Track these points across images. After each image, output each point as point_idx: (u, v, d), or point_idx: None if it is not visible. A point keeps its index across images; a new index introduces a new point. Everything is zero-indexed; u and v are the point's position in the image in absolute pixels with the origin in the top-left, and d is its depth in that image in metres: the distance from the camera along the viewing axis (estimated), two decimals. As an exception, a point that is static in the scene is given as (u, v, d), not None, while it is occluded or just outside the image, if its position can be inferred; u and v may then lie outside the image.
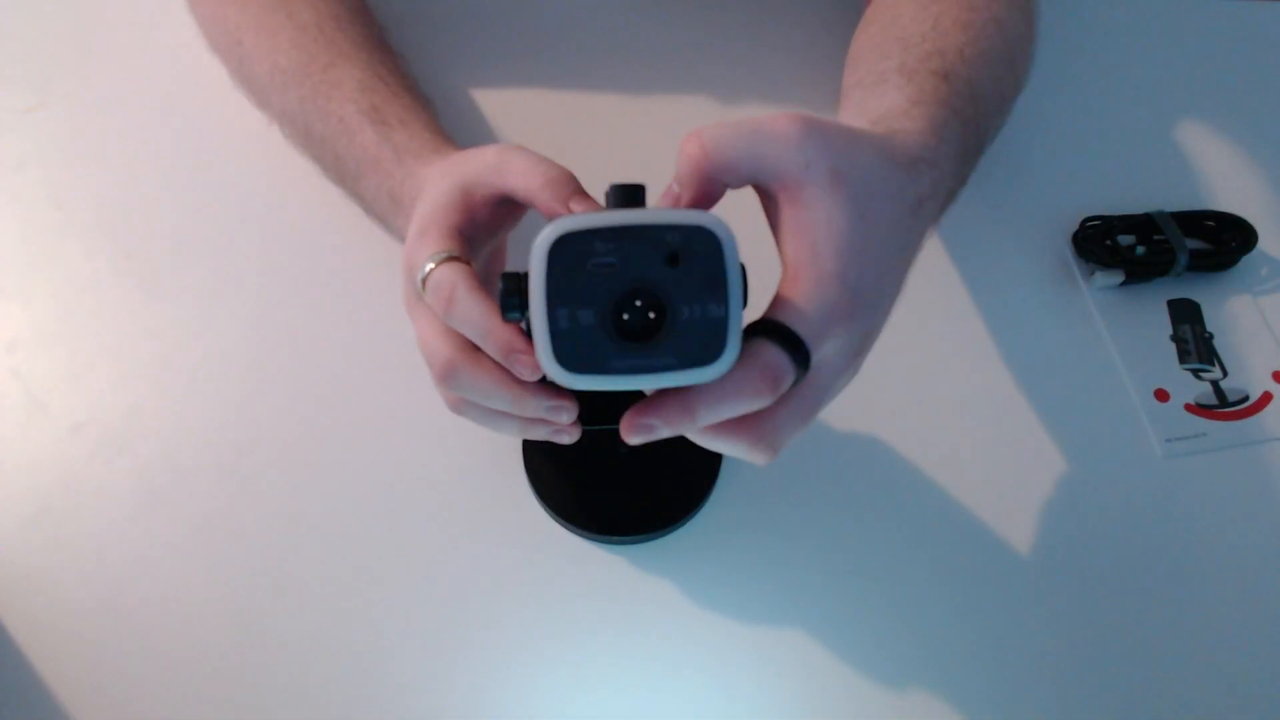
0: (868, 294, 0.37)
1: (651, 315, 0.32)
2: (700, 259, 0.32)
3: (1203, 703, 0.49)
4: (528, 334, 0.37)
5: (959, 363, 0.58)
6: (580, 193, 0.39)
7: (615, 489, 0.53)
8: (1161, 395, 0.57)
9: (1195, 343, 0.59)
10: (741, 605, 0.50)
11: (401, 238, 0.46)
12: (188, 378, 0.56)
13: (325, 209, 0.57)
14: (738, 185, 0.37)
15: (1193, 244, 0.60)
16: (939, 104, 0.46)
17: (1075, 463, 0.55)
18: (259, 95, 0.57)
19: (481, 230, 0.43)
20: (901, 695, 0.49)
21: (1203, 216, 0.61)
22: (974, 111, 0.48)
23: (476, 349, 0.40)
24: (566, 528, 0.52)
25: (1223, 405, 0.57)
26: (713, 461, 0.53)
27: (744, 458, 0.37)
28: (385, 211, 0.51)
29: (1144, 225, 0.60)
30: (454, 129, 0.53)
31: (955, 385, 0.57)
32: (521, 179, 0.40)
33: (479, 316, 0.38)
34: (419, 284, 0.41)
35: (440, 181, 0.43)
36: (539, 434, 0.42)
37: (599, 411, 0.45)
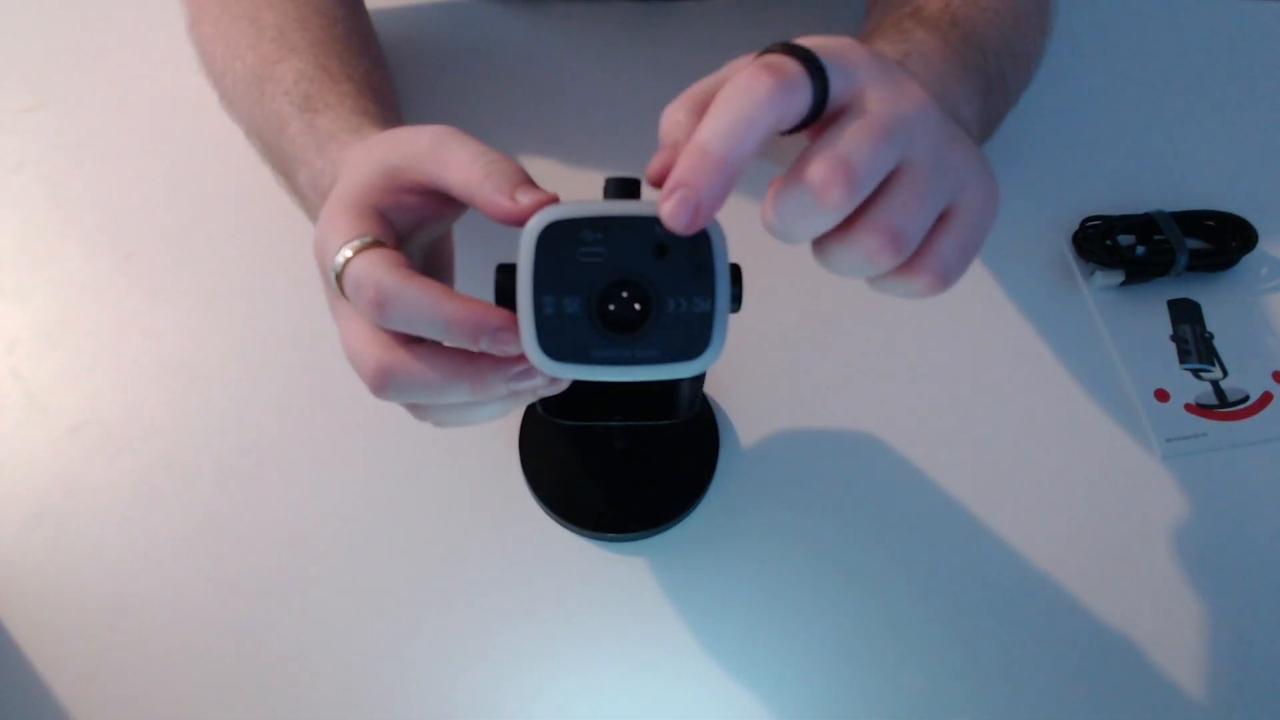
0: (891, 62, 0.33)
1: (637, 307, 0.32)
2: (689, 252, 0.32)
3: (1203, 703, 0.49)
4: None
5: (958, 362, 0.58)
6: (528, 182, 0.34)
7: (611, 486, 0.53)
8: (1161, 395, 0.57)
9: (1195, 343, 0.59)
10: (738, 603, 0.50)
11: None
12: (188, 378, 0.56)
13: (325, 209, 0.57)
14: None
15: (1193, 244, 0.60)
16: (952, 49, 0.46)
17: (1075, 463, 0.55)
18: (229, 109, 0.55)
19: (410, 217, 0.37)
20: (900, 695, 0.49)
21: (1203, 216, 0.61)
22: (982, 60, 0.48)
23: (410, 344, 0.34)
24: (562, 525, 0.52)
25: (1223, 405, 0.57)
26: (709, 458, 0.53)
27: (915, 294, 0.33)
28: (314, 208, 0.45)
29: (1144, 225, 0.60)
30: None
31: (955, 385, 0.57)
32: (461, 172, 0.34)
33: (429, 302, 0.32)
34: (333, 280, 0.35)
35: (360, 163, 0.38)
36: (518, 404, 0.37)
37: (593, 408, 0.45)
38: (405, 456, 0.54)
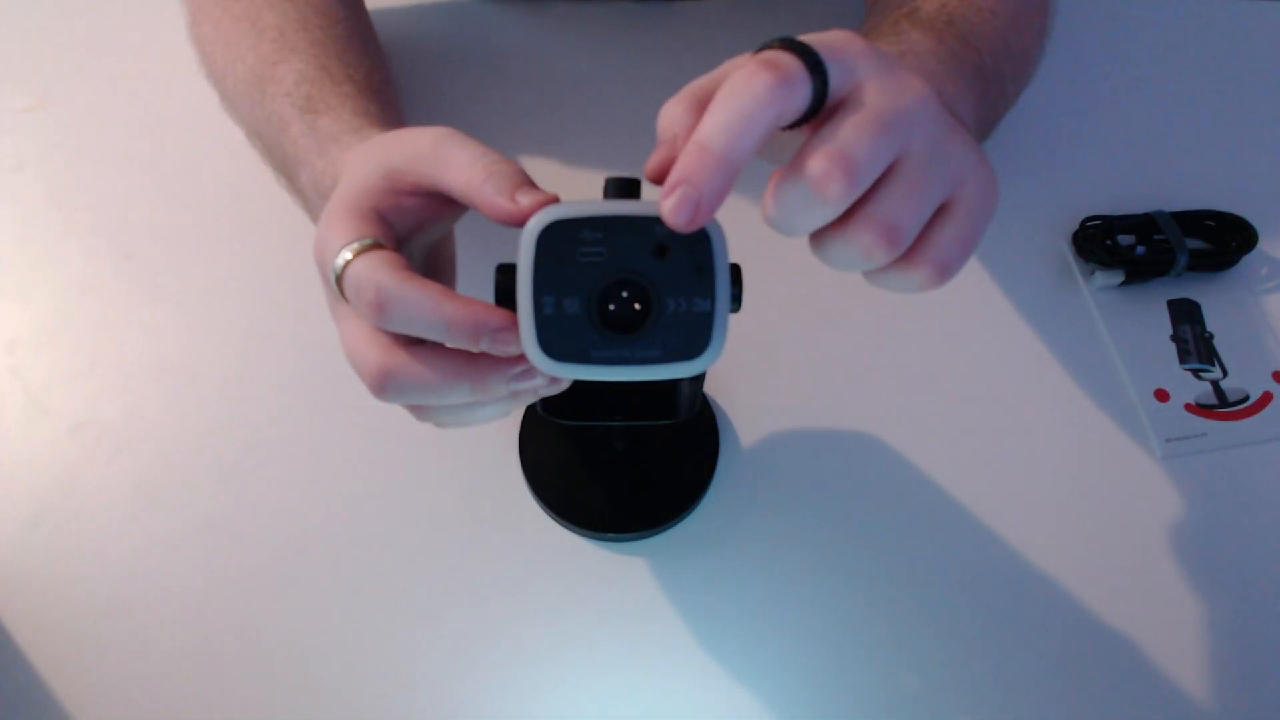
0: (890, 55, 0.33)
1: (637, 306, 0.32)
2: (688, 252, 0.32)
3: (1203, 702, 0.49)
4: None
5: (958, 362, 0.58)
6: (528, 184, 0.34)
7: (611, 486, 0.53)
8: (1161, 395, 0.57)
9: (1195, 343, 0.59)
10: (737, 603, 0.50)
11: None
12: (187, 378, 0.56)
13: (325, 209, 0.57)
14: None
15: (1193, 244, 0.60)
16: (950, 48, 0.46)
17: (1075, 463, 0.55)
18: (230, 110, 0.55)
19: (411, 219, 0.37)
20: (900, 695, 0.49)
21: (1203, 216, 0.61)
22: (978, 59, 0.48)
23: (409, 345, 0.34)
24: (562, 525, 0.52)
25: (1223, 405, 0.57)
26: (709, 458, 0.53)
27: (916, 288, 0.33)
28: (315, 209, 0.45)
29: (1144, 225, 0.60)
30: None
31: (954, 385, 0.57)
32: (461, 174, 0.34)
33: (429, 304, 0.32)
34: (333, 282, 0.35)
35: (361, 164, 0.38)
36: (519, 404, 0.37)
37: (593, 408, 0.45)
38: (405, 456, 0.54)
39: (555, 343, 0.32)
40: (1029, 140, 0.65)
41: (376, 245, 0.34)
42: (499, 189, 0.33)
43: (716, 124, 0.30)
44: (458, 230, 0.42)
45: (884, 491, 0.53)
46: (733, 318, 0.33)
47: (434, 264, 0.41)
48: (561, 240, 0.32)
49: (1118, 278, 0.59)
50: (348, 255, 0.34)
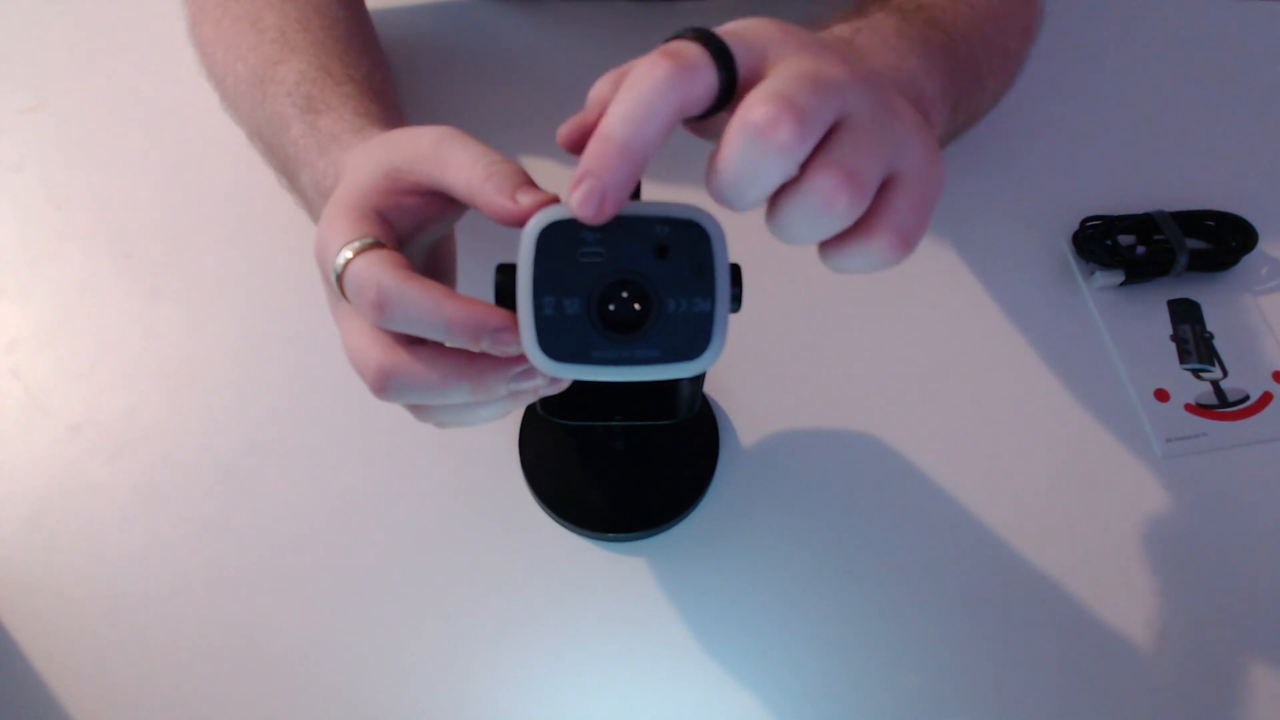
0: (810, 37, 0.32)
1: (637, 307, 0.32)
2: (688, 253, 0.32)
3: (1203, 702, 0.49)
4: None
5: (958, 362, 0.58)
6: (529, 183, 0.34)
7: (611, 486, 0.53)
8: (1161, 395, 0.57)
9: (1195, 343, 0.59)
10: (738, 603, 0.50)
11: None
12: (187, 378, 0.57)
13: (325, 209, 0.57)
14: None
15: (1193, 244, 0.60)
16: (923, 30, 0.45)
17: (1075, 463, 0.55)
18: (230, 111, 0.55)
19: (412, 218, 0.37)
20: (900, 695, 0.49)
21: (1203, 216, 0.61)
22: (949, 39, 0.47)
23: (410, 345, 0.34)
24: (562, 525, 0.52)
25: (1223, 405, 0.57)
26: (709, 458, 0.53)
27: (880, 261, 0.32)
28: (316, 209, 0.45)
29: (1144, 225, 0.60)
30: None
31: (954, 385, 0.57)
32: (462, 173, 0.34)
33: (430, 304, 0.32)
34: (334, 281, 0.35)
35: (362, 164, 0.38)
36: (519, 404, 0.37)
37: (593, 408, 0.45)
38: (405, 456, 0.54)
39: (555, 343, 0.32)
40: (1029, 140, 0.65)
41: (377, 244, 0.34)
42: (499, 189, 0.33)
43: (616, 115, 0.29)
44: (458, 230, 0.42)
45: (884, 491, 0.53)
46: (733, 318, 0.33)
47: (435, 264, 0.41)
48: (561, 240, 0.32)
49: (1118, 278, 0.59)
50: (348, 254, 0.34)
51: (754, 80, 0.30)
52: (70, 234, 0.61)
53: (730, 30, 0.31)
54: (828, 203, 0.30)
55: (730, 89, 0.31)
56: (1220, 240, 0.60)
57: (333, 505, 0.53)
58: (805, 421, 0.55)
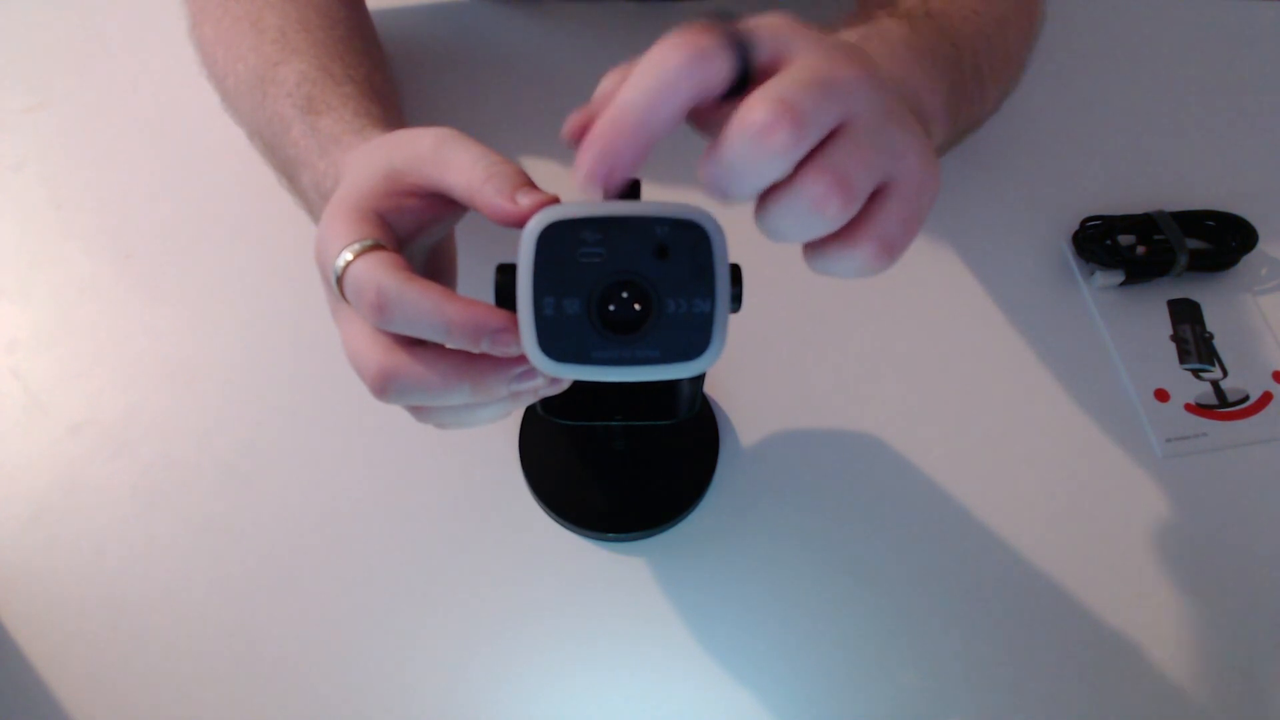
0: (827, 37, 0.32)
1: (637, 307, 0.32)
2: (688, 253, 0.32)
3: (1202, 702, 0.49)
4: None
5: (958, 362, 0.58)
6: (529, 184, 0.34)
7: (611, 486, 0.53)
8: (1161, 395, 0.57)
9: (1195, 343, 0.59)
10: (738, 603, 0.50)
11: None
12: (188, 378, 0.57)
13: (325, 209, 0.57)
14: None
15: (1193, 244, 0.60)
16: (935, 37, 0.45)
17: (1075, 463, 0.55)
18: (231, 111, 0.55)
19: (412, 220, 0.37)
20: (900, 695, 0.49)
21: (1203, 216, 0.61)
22: (956, 52, 0.47)
23: (410, 346, 0.34)
24: (562, 525, 0.52)
25: (1223, 405, 0.57)
26: (709, 458, 0.53)
27: (862, 268, 0.32)
28: (317, 210, 0.45)
29: (1144, 225, 0.60)
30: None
31: (954, 385, 0.57)
32: (462, 175, 0.34)
33: (430, 305, 0.32)
34: (334, 283, 0.35)
35: (362, 165, 0.38)
36: (519, 405, 0.37)
37: (593, 408, 0.45)
38: (405, 457, 0.54)
39: (555, 343, 0.32)
40: (1029, 140, 0.65)
41: (377, 246, 0.35)
42: (499, 190, 0.33)
43: (633, 90, 0.30)
44: (458, 231, 0.42)
45: (884, 491, 0.53)
46: (733, 318, 0.33)
47: (435, 265, 0.41)
48: (561, 241, 0.32)
49: (1118, 278, 0.59)
50: (348, 256, 0.34)
51: (767, 74, 0.31)
52: (70, 234, 0.61)
53: (749, 23, 0.31)
54: (817, 207, 0.30)
55: (744, 80, 0.31)
56: (1220, 240, 0.60)
57: (333, 506, 0.53)
58: (805, 421, 0.55)
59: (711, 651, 0.49)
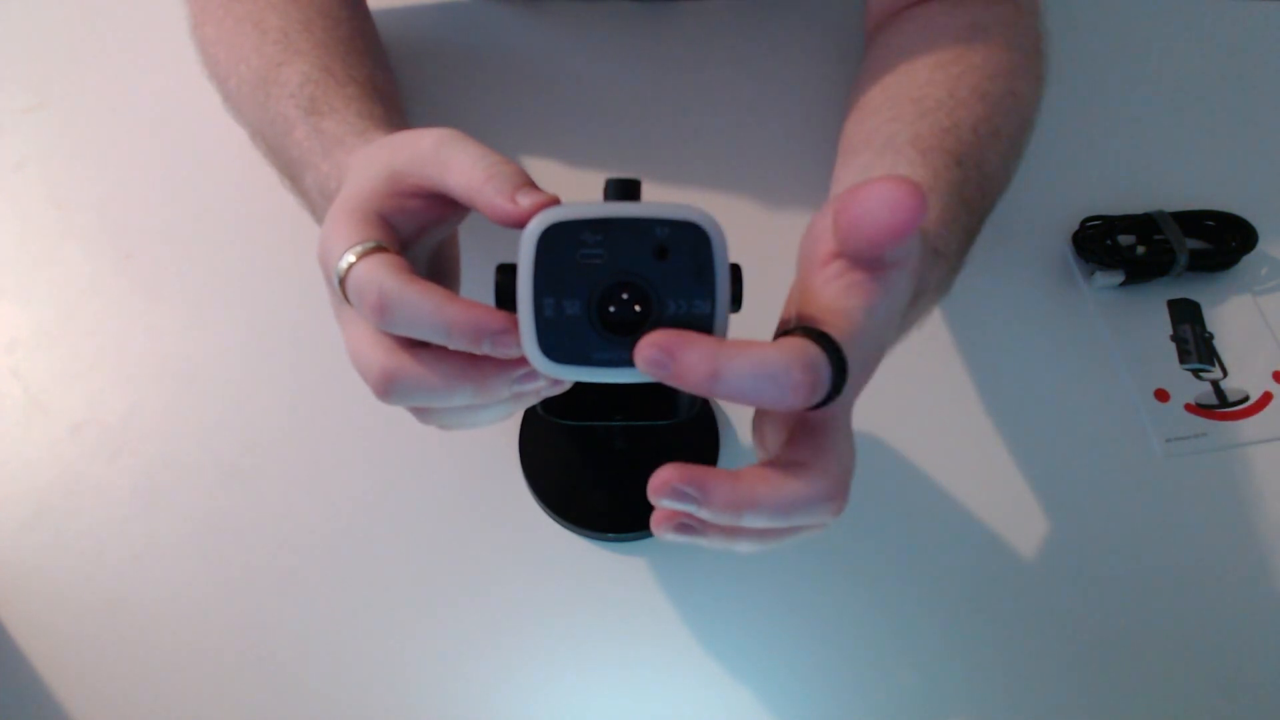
0: (869, 365, 0.37)
1: (637, 308, 0.32)
2: (688, 254, 0.32)
3: (1202, 702, 0.49)
4: None
5: (959, 362, 0.58)
6: (529, 185, 0.34)
7: (611, 486, 0.53)
8: (1161, 395, 0.57)
9: (1195, 343, 0.59)
10: (737, 603, 0.50)
11: None
12: (188, 378, 0.57)
13: (325, 209, 0.57)
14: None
15: (1193, 244, 0.60)
16: (952, 192, 0.45)
17: (1075, 463, 0.55)
18: (233, 111, 0.55)
19: (414, 221, 0.37)
20: (899, 694, 0.49)
21: (1203, 216, 0.61)
22: (981, 199, 0.48)
23: (413, 348, 0.35)
24: (562, 525, 0.52)
25: (1223, 405, 0.57)
26: (709, 458, 0.53)
27: (816, 520, 0.35)
28: (320, 212, 0.45)
29: (1144, 225, 0.60)
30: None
31: (955, 385, 0.57)
32: (463, 175, 0.35)
33: (431, 307, 0.33)
34: (336, 285, 0.35)
35: (365, 167, 0.38)
36: (521, 406, 0.37)
37: (593, 408, 0.45)
38: (405, 457, 0.54)
39: (556, 345, 0.32)
40: (1029, 140, 0.65)
41: (379, 248, 0.35)
42: (499, 190, 0.34)
43: (738, 371, 0.30)
44: (461, 231, 0.42)
45: (884, 491, 0.53)
46: (733, 318, 0.33)
47: (438, 267, 0.41)
48: (562, 242, 0.32)
49: (1118, 278, 0.59)
50: (351, 258, 0.34)
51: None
52: (70, 234, 0.61)
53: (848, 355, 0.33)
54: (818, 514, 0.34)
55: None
56: (1220, 240, 0.60)
57: (333, 506, 0.53)
58: (805, 421, 0.55)
59: (711, 651, 0.49)
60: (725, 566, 0.51)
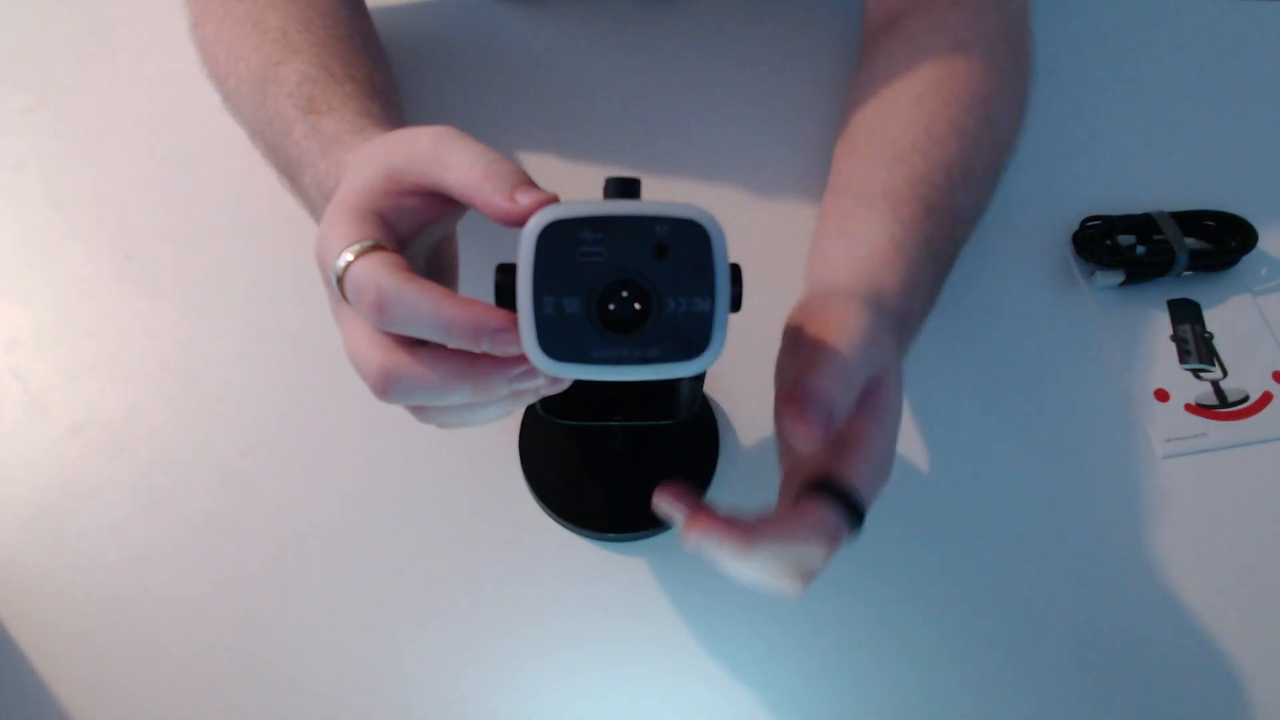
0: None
1: (637, 306, 0.32)
2: (688, 252, 0.32)
3: (1202, 703, 0.49)
4: None
5: (958, 362, 0.58)
6: (528, 183, 0.34)
7: (611, 486, 0.53)
8: (1161, 395, 0.57)
9: (1195, 343, 0.59)
10: (738, 603, 0.50)
11: None
12: (188, 378, 0.57)
13: (325, 209, 0.57)
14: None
15: (1193, 244, 0.60)
16: (921, 247, 0.48)
17: (1075, 462, 0.55)
18: (232, 111, 0.55)
19: (412, 220, 0.37)
20: (899, 695, 0.49)
21: (1203, 216, 0.61)
22: (952, 245, 0.51)
23: (411, 346, 0.35)
24: (562, 525, 0.52)
25: (1223, 405, 0.57)
26: (709, 458, 0.53)
27: (779, 585, 0.39)
28: (319, 210, 0.45)
29: (1144, 225, 0.60)
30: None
31: (955, 385, 0.57)
32: (461, 173, 0.34)
33: (430, 305, 0.32)
34: (334, 283, 0.35)
35: (363, 166, 0.38)
36: (520, 404, 0.37)
37: (593, 408, 0.45)
38: (405, 457, 0.54)
39: (555, 343, 0.32)
40: (1029, 140, 0.65)
41: (377, 247, 0.35)
42: (498, 188, 0.33)
43: (768, 541, 0.37)
44: (460, 231, 0.42)
45: (883, 491, 0.53)
46: (733, 318, 0.33)
47: (437, 265, 0.41)
48: (561, 240, 0.32)
49: (1118, 278, 0.59)
50: (349, 257, 0.34)
51: None
52: (70, 234, 0.61)
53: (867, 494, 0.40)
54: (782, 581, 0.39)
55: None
56: (1220, 240, 0.60)
57: (333, 506, 0.53)
58: (805, 421, 0.55)
59: (711, 651, 0.49)
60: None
